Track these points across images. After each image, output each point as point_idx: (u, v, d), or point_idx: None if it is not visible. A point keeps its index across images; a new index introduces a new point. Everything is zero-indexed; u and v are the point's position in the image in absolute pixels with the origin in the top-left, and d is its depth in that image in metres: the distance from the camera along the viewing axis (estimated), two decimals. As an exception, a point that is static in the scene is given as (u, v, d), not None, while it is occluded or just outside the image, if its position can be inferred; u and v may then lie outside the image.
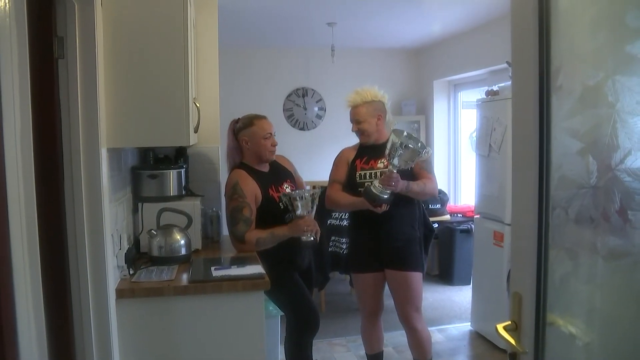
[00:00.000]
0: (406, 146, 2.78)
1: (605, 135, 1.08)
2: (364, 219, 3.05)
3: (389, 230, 3.00)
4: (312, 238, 2.84)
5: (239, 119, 3.03)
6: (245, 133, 2.93)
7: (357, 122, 3.05)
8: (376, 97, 3.07)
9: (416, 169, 2.97)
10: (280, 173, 3.06)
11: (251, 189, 2.83)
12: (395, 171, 2.83)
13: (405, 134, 2.83)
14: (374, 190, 2.85)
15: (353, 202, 3.01)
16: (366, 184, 2.95)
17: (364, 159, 3.08)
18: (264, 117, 3.00)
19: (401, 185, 2.86)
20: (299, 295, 2.96)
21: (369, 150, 3.09)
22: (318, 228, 2.88)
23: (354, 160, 3.10)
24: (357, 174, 3.05)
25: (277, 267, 2.84)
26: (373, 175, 3.01)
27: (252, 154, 2.94)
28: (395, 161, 2.81)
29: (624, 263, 1.10)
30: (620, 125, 1.04)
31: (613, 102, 1.06)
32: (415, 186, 2.95)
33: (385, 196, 2.85)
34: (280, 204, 2.93)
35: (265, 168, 2.99)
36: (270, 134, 2.92)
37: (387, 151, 2.84)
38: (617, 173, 1.05)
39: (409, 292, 3.02)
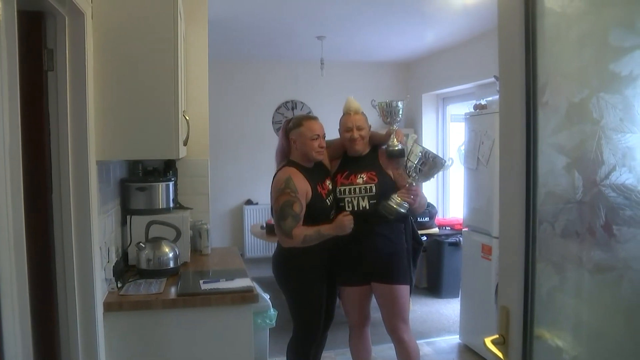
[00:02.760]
0: (433, 158, 2.78)
1: (590, 151, 1.10)
2: (351, 233, 3.03)
3: (375, 243, 2.98)
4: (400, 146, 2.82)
5: (291, 118, 3.10)
6: (294, 133, 2.98)
7: (359, 129, 2.99)
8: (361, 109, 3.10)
9: (402, 182, 2.97)
10: (322, 170, 3.09)
11: (303, 186, 2.87)
12: (414, 184, 2.84)
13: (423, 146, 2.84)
14: (392, 204, 2.83)
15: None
16: (380, 203, 2.90)
17: (344, 174, 3.04)
18: (314, 118, 3.04)
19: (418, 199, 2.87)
20: (310, 307, 2.99)
21: (351, 164, 3.06)
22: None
23: (334, 175, 3.08)
24: (337, 190, 3.02)
25: (308, 271, 2.94)
26: (352, 191, 2.98)
27: (300, 154, 2.97)
28: (416, 174, 2.80)
29: (609, 277, 1.11)
30: (605, 141, 1.06)
31: (598, 118, 1.08)
32: (419, 199, 2.98)
33: (403, 210, 2.84)
34: (328, 199, 2.97)
35: (311, 165, 3.02)
36: (318, 135, 2.94)
37: (408, 163, 2.84)
38: (602, 188, 1.06)
39: (396, 305, 3.01)
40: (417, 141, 2.98)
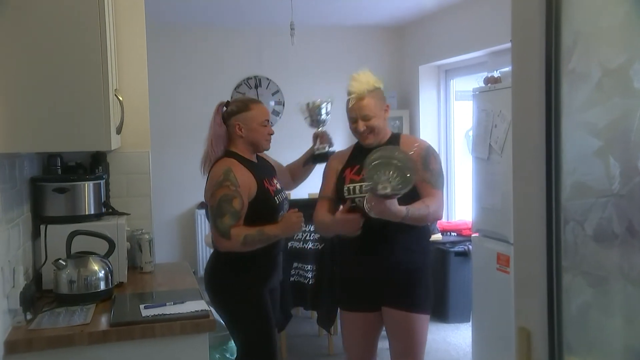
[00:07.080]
0: (389, 164, 2.63)
1: (630, 131, 1.10)
2: (357, 239, 2.92)
3: (390, 255, 2.92)
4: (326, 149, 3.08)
5: (228, 101, 3.20)
6: (239, 118, 3.06)
7: (365, 119, 2.90)
8: (377, 83, 2.97)
9: (417, 182, 2.78)
10: (268, 167, 3.25)
11: (246, 180, 2.97)
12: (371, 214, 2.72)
13: (377, 153, 2.72)
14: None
15: (335, 221, 2.96)
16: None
17: (355, 168, 2.96)
18: (260, 102, 3.21)
19: (379, 208, 2.66)
20: (261, 328, 3.03)
21: (363, 157, 2.82)
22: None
23: (343, 170, 3.03)
24: (345, 188, 2.95)
25: (247, 279, 3.01)
26: (364, 190, 2.86)
27: (246, 142, 3.08)
28: (387, 189, 2.60)
29: (657, 289, 1.12)
30: (650, 117, 1.06)
31: (640, 89, 1.08)
32: (416, 211, 2.76)
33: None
34: (277, 197, 3.07)
35: (254, 159, 3.16)
36: (268, 120, 3.13)
37: (370, 185, 2.67)
38: (646, 177, 1.07)
39: (411, 340, 2.96)
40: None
